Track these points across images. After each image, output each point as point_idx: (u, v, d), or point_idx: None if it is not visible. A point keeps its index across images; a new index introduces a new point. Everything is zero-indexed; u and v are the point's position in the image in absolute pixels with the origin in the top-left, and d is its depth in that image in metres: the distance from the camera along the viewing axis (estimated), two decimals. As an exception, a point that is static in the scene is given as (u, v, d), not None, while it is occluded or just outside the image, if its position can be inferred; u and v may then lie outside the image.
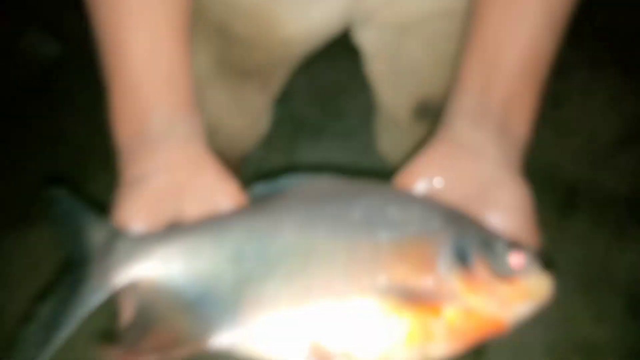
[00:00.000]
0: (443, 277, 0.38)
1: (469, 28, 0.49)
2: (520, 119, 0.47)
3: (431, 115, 0.85)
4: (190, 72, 0.47)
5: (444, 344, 0.37)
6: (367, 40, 0.76)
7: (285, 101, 1.51)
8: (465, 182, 0.44)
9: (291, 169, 0.42)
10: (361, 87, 1.19)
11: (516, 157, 0.46)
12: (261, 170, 1.40)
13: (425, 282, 0.38)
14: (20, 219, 1.29)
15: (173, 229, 0.41)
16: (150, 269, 0.39)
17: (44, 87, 1.55)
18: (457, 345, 0.38)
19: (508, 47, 0.46)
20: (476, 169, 0.45)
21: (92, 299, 0.38)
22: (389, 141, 0.97)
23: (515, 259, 0.40)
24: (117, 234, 0.40)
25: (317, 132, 1.49)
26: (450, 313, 0.37)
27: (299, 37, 0.72)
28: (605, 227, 1.34)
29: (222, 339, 0.37)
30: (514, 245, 0.41)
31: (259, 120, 0.94)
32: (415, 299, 0.37)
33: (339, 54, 1.60)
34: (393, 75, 0.79)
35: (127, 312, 0.39)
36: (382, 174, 0.49)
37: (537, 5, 0.46)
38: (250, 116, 0.92)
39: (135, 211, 0.41)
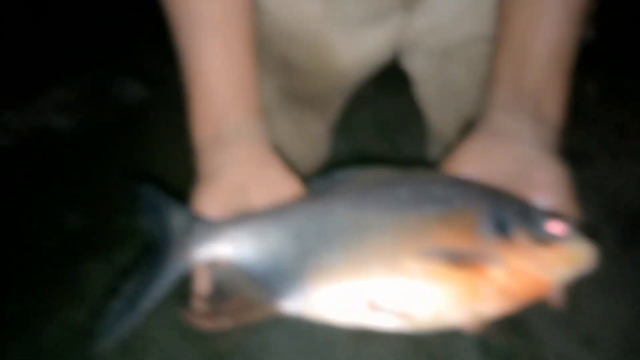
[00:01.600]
0: (485, 242, 0.41)
1: (497, 29, 0.54)
2: (553, 103, 0.50)
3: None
4: (257, 82, 0.54)
5: (494, 303, 0.40)
6: (414, 66, 0.82)
7: (349, 135, 1.60)
8: (505, 166, 0.48)
9: (345, 163, 0.49)
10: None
11: (552, 139, 0.49)
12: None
13: (469, 246, 0.41)
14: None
15: (243, 215, 0.47)
16: (223, 249, 0.45)
17: (131, 125, 1.69)
18: (506, 304, 0.40)
19: (534, 41, 0.50)
20: (514, 152, 0.48)
21: (172, 274, 0.44)
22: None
23: (555, 226, 0.42)
24: (195, 219, 0.46)
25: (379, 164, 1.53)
26: (496, 274, 0.40)
27: (353, 65, 0.79)
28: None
29: (288, 306, 0.42)
30: (553, 214, 0.43)
31: (319, 147, 1.02)
32: (461, 262, 0.40)
33: (402, 89, 1.68)
34: (440, 98, 0.84)
35: (203, 285, 0.45)
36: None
37: (556, 2, 0.50)
38: (310, 142, 0.99)
39: (211, 201, 0.48)
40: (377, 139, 1.61)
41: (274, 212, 0.46)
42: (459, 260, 0.40)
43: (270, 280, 0.43)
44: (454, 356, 1.19)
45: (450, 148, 0.51)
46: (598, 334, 1.20)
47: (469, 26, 0.74)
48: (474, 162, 0.49)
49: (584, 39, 0.50)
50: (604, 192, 1.44)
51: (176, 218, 0.46)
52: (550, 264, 0.41)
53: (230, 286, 0.44)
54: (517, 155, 0.48)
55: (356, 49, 0.76)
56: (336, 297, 0.41)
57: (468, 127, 0.53)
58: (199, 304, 0.44)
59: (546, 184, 0.46)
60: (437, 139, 0.97)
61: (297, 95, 0.88)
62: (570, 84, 0.51)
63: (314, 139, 0.99)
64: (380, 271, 0.41)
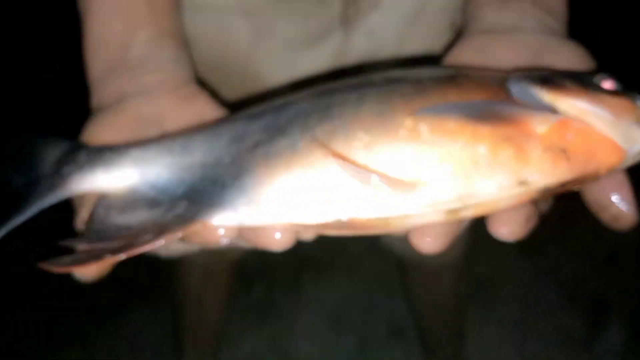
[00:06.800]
0: (519, 95, 0.29)
1: None
2: None
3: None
4: (177, 5, 0.42)
5: (545, 166, 0.28)
6: None
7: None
8: (511, 58, 0.37)
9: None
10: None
11: (559, 27, 0.39)
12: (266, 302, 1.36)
13: (496, 99, 0.29)
14: None
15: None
16: (119, 177, 0.31)
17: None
18: (564, 167, 0.28)
19: None
20: (519, 42, 0.38)
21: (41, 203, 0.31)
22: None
23: (607, 82, 0.31)
24: (79, 146, 0.33)
25: (321, 266, 1.45)
26: (544, 128, 0.28)
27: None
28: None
29: (228, 217, 0.29)
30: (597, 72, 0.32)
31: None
32: (489, 117, 0.27)
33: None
34: None
35: (84, 214, 0.32)
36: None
37: None
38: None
39: (110, 132, 0.34)
40: (316, 242, 1.51)
41: (202, 127, 0.33)
42: (485, 115, 0.28)
43: (197, 195, 0.30)
44: None
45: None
46: None
47: (414, 47, 0.68)
48: (470, 62, 0.38)
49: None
50: (561, 278, 1.41)
51: (51, 148, 0.33)
52: (620, 113, 0.29)
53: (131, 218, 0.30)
54: (523, 44, 0.38)
55: (289, 76, 0.68)
56: (301, 185, 0.28)
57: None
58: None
59: (569, 60, 0.36)
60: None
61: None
62: None
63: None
64: (364, 140, 0.28)
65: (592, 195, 0.32)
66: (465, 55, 0.39)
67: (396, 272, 1.30)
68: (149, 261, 1.56)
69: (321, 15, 0.63)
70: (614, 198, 0.31)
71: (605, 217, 0.32)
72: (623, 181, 0.31)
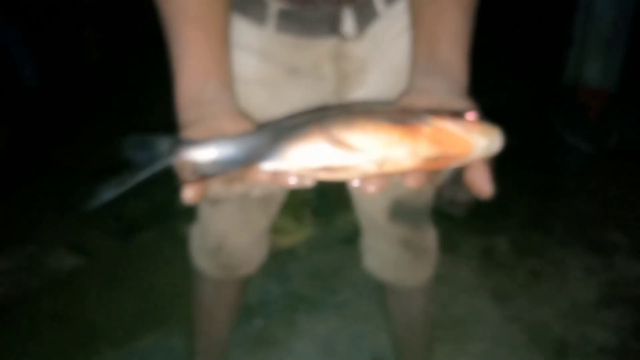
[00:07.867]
0: (420, 118, 0.52)
1: (412, 26, 0.70)
2: (459, 70, 0.64)
3: (405, 215, 1.00)
4: (231, 66, 0.67)
5: (427, 147, 0.51)
6: None
7: (284, 282, 1.66)
8: (426, 106, 0.60)
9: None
10: (353, 267, 1.38)
11: (460, 91, 0.63)
12: (264, 332, 1.52)
13: (407, 115, 0.53)
14: None
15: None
16: (208, 151, 0.53)
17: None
18: (437, 149, 0.51)
19: (440, 32, 0.66)
20: (433, 98, 0.61)
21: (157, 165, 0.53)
22: (373, 254, 1.09)
23: (470, 115, 0.54)
24: (181, 139, 0.55)
25: (315, 304, 1.61)
26: (428, 129, 0.51)
27: None
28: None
29: (268, 165, 0.52)
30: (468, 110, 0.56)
31: (260, 241, 1.07)
32: (400, 123, 0.51)
33: (333, 244, 1.80)
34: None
35: (188, 170, 0.54)
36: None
37: (453, 3, 0.67)
38: (252, 233, 1.05)
39: (194, 136, 0.57)
40: (310, 284, 1.68)
41: (251, 130, 0.57)
42: (398, 121, 0.52)
43: (251, 158, 0.53)
44: None
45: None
46: None
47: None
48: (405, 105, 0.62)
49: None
50: (526, 323, 1.56)
51: (162, 141, 0.55)
52: (470, 129, 0.52)
53: (215, 170, 0.53)
54: (434, 98, 0.61)
55: None
56: (307, 148, 0.51)
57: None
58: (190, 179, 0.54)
59: (456, 109, 0.58)
60: (368, 232, 1.06)
61: (246, 190, 0.97)
62: (469, 59, 0.66)
63: (256, 230, 1.04)
64: (339, 128, 0.51)
65: (468, 177, 0.55)
66: (403, 102, 0.63)
67: (380, 312, 1.50)
68: (158, 294, 1.73)
69: (320, 88, 0.86)
70: (479, 178, 0.55)
71: (474, 190, 0.55)
72: (486, 169, 0.55)
